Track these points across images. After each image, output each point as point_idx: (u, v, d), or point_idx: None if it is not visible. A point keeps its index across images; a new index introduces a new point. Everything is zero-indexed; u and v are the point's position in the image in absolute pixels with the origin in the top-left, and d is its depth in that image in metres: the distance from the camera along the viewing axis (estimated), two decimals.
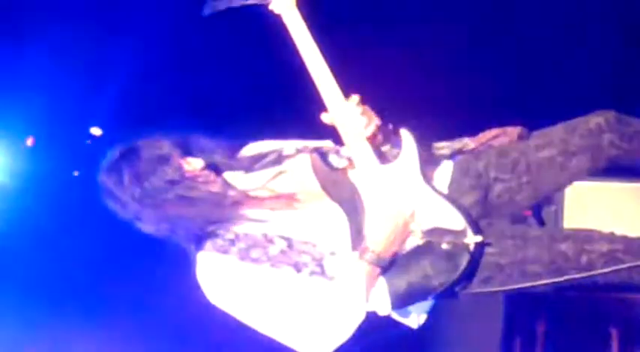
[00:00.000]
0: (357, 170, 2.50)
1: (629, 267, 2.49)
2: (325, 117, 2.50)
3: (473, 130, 2.79)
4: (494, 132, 2.76)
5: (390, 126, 2.58)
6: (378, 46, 4.30)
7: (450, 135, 2.79)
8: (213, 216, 2.48)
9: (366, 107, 2.52)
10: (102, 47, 4.34)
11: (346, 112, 2.48)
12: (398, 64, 4.25)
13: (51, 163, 4.35)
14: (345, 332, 2.40)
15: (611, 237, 2.54)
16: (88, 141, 4.44)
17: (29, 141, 4.36)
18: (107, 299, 4.34)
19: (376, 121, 2.52)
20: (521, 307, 3.71)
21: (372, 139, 2.51)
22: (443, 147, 2.73)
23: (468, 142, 2.74)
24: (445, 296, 2.53)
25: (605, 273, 2.50)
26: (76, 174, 4.40)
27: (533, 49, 4.29)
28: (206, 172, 2.54)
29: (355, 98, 2.51)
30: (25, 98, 4.23)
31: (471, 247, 2.44)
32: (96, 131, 4.45)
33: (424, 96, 4.03)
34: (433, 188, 2.53)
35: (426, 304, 2.59)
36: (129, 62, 4.30)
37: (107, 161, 2.53)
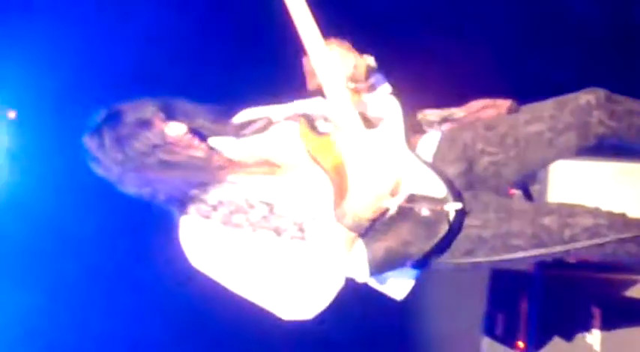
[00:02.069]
0: (343, 135, 2.49)
1: (612, 241, 2.49)
2: (306, 63, 2.48)
3: (462, 101, 2.78)
4: (483, 102, 2.74)
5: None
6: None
7: (438, 105, 2.78)
8: (195, 181, 2.48)
9: (350, 47, 2.52)
10: (87, 19, 4.32)
11: (328, 58, 2.43)
12: (387, 29, 4.24)
13: (33, 136, 4.32)
14: (324, 299, 2.40)
15: (595, 212, 2.53)
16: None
17: (11, 114, 4.33)
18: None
19: (361, 61, 2.52)
20: (505, 284, 3.72)
21: (355, 87, 2.52)
22: (430, 114, 2.72)
23: (456, 111, 2.73)
24: (422, 265, 2.53)
25: (588, 248, 2.49)
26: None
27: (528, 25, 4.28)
28: (189, 137, 2.53)
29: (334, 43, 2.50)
30: (7, 71, 4.22)
31: (451, 215, 2.43)
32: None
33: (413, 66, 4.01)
34: (416, 155, 2.52)
35: (410, 275, 2.59)
36: (114, 32, 4.28)
37: (91, 123, 2.52)
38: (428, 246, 2.43)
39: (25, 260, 4.30)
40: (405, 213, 2.44)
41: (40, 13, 4.24)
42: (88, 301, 4.33)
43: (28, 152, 4.33)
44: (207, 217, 2.45)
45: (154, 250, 3.55)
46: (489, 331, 3.75)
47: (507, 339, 3.69)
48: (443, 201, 2.44)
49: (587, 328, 3.55)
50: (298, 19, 2.41)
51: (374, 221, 2.43)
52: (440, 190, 2.45)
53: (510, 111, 2.71)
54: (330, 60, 2.44)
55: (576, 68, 3.99)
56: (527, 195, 3.54)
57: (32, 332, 4.24)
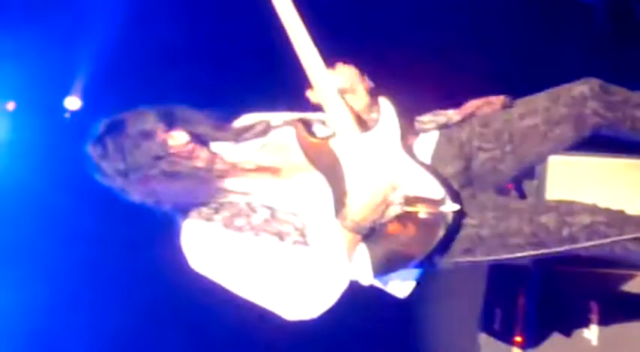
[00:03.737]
0: (339, 139, 2.49)
1: (611, 241, 2.49)
2: (311, 95, 2.49)
3: (457, 101, 2.78)
4: (477, 102, 2.74)
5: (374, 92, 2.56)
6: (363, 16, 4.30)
7: (434, 106, 2.78)
8: (197, 191, 2.48)
9: (353, 69, 2.51)
10: (86, 14, 4.31)
11: (328, 81, 2.46)
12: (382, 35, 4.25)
13: (32, 128, 4.32)
14: (329, 299, 2.41)
15: (593, 210, 2.53)
16: (67, 115, 4.41)
17: (10, 106, 4.33)
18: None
19: (363, 83, 2.51)
20: (503, 279, 3.72)
21: (354, 108, 2.50)
22: (427, 121, 2.71)
23: (452, 115, 2.72)
24: (425, 266, 2.54)
25: (587, 247, 2.50)
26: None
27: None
28: (191, 146, 2.53)
29: (340, 65, 2.50)
30: (6, 63, 4.21)
31: (449, 217, 2.44)
32: (72, 103, 4.39)
33: (407, 69, 4.03)
34: (413, 157, 2.51)
35: (412, 274, 2.60)
36: (111, 31, 4.28)
37: (93, 133, 2.52)
38: (427, 248, 2.44)
39: (22, 251, 4.30)
40: (403, 215, 2.44)
41: (39, 6, 4.23)
42: (85, 293, 4.34)
43: (26, 144, 4.33)
44: (210, 220, 2.45)
45: (154, 248, 3.54)
46: (487, 326, 3.74)
47: (505, 334, 3.69)
48: (440, 202, 2.44)
49: (584, 323, 3.55)
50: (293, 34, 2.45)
51: (373, 223, 2.44)
52: (437, 192, 2.45)
53: (505, 106, 2.71)
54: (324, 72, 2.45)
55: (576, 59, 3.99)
56: (520, 192, 3.54)
57: (28, 322, 4.25)
